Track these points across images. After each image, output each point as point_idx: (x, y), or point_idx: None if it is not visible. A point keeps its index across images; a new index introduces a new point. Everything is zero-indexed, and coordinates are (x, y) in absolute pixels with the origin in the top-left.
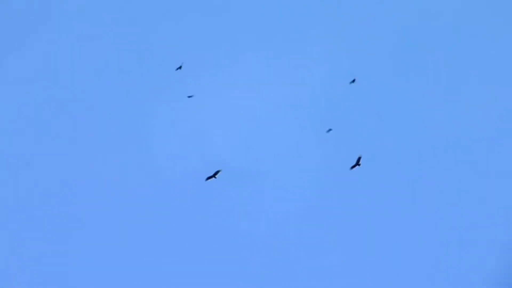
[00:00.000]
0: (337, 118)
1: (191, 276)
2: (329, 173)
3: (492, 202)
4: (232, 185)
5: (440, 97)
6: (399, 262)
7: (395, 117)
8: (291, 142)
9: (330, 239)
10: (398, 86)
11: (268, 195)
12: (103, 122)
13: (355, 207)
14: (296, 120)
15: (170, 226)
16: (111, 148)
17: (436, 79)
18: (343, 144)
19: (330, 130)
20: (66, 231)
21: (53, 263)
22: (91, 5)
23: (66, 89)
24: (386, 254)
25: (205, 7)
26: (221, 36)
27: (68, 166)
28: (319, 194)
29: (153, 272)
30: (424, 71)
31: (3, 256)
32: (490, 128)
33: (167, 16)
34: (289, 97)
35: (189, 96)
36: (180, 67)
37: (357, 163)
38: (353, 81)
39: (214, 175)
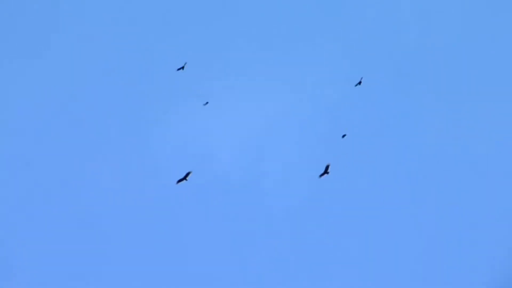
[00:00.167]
0: (342, 129)
1: (192, 276)
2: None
3: (492, 202)
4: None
5: (440, 99)
6: (399, 263)
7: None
8: (294, 153)
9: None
10: (402, 94)
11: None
12: (105, 124)
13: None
14: (300, 131)
15: (170, 227)
16: (111, 149)
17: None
18: (347, 153)
19: (344, 135)
20: (66, 231)
21: (53, 263)
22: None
23: (67, 92)
24: (386, 255)
25: (210, 19)
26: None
27: (68, 167)
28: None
29: (153, 272)
30: (426, 79)
31: (3, 256)
32: (490, 128)
33: (173, 28)
34: (293, 109)
35: (205, 104)
36: (182, 68)
37: (326, 171)
38: (360, 83)
39: (185, 177)
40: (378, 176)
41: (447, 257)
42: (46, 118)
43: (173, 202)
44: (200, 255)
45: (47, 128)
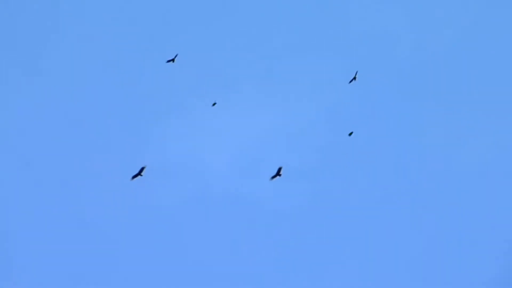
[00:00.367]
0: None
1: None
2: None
3: (492, 202)
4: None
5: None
6: (398, 263)
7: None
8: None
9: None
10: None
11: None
12: (105, 124)
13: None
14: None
15: (169, 227)
16: (111, 149)
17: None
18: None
19: (351, 133)
20: (66, 231)
21: (53, 263)
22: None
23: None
24: (385, 255)
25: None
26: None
27: (68, 167)
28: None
29: (153, 273)
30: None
31: (3, 256)
32: (490, 128)
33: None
34: (284, 124)
35: (213, 104)
36: (173, 60)
37: (278, 173)
38: (354, 78)
39: (139, 173)
40: (378, 178)
41: (447, 257)
42: (46, 118)
43: (173, 202)
44: (199, 255)
45: (47, 128)
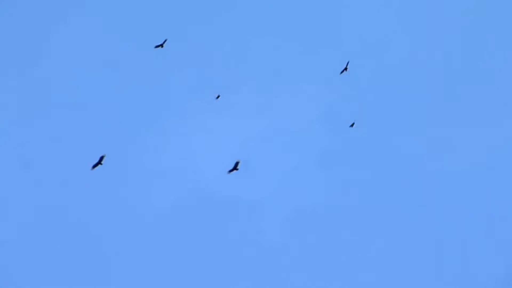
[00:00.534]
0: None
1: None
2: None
3: (492, 202)
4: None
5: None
6: (399, 263)
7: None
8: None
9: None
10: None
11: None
12: (105, 124)
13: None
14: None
15: (169, 227)
16: (111, 149)
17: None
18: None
19: (353, 124)
20: (66, 231)
21: (52, 263)
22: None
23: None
24: (386, 255)
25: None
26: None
27: (68, 167)
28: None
29: (153, 272)
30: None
31: (3, 256)
32: (490, 128)
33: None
34: (281, 129)
35: (217, 97)
36: (161, 45)
37: (235, 167)
38: (345, 69)
39: (99, 162)
40: (378, 178)
41: (447, 257)
42: (46, 118)
43: (173, 202)
44: (197, 256)
45: (47, 128)
